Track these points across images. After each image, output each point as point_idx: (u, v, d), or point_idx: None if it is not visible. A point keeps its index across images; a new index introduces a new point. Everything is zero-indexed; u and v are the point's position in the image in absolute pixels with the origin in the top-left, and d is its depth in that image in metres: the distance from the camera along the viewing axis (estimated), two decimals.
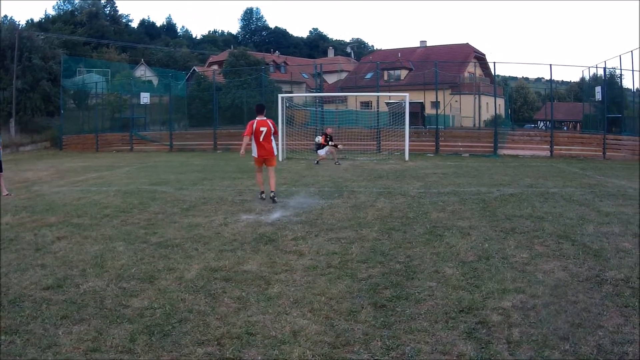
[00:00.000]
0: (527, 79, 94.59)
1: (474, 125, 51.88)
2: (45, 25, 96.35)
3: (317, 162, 25.34)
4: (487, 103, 57.33)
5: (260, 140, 13.85)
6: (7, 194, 16.28)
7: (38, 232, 10.34)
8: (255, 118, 14.06)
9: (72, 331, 5.57)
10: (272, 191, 13.89)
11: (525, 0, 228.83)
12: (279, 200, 13.71)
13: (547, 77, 47.13)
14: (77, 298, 6.56)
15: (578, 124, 58.35)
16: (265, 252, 8.62)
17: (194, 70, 77.04)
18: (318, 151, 25.63)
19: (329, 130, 26.13)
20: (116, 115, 48.15)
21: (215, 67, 77.59)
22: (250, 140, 14.02)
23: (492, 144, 32.82)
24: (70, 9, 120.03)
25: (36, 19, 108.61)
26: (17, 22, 65.16)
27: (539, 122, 71.88)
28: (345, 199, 13.96)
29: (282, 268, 7.70)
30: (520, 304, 6.15)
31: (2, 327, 5.71)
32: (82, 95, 50.77)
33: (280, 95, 29.94)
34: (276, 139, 14.58)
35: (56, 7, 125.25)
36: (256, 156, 14.13)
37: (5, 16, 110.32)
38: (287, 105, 28.26)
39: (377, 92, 40.65)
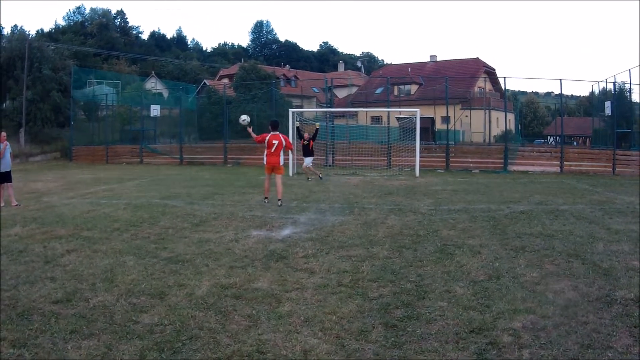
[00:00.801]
0: (536, 93, 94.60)
1: (484, 140, 51.85)
2: (55, 35, 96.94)
3: (308, 179, 24.96)
4: (497, 118, 57.21)
5: (272, 151, 16.36)
6: (16, 205, 16.36)
7: (47, 244, 10.38)
8: (269, 132, 16.42)
9: (82, 346, 5.60)
10: (279, 199, 16.06)
11: (534, 14, 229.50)
12: (290, 217, 13.77)
13: (557, 92, 47.11)
14: (86, 312, 6.58)
15: (587, 139, 58.26)
16: (276, 269, 8.62)
17: (205, 83, 77.33)
18: (305, 162, 25.08)
19: (306, 136, 25.64)
20: (126, 127, 48.36)
21: (225, 80, 77.60)
22: (264, 148, 16.71)
23: (502, 160, 32.80)
24: (80, 20, 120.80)
25: (46, 29, 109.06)
26: (27, 32, 65.55)
27: (548, 137, 71.73)
28: (356, 216, 13.97)
29: (293, 286, 7.69)
30: (531, 324, 6.15)
31: (11, 340, 5.74)
32: (92, 107, 51.01)
33: (291, 110, 29.92)
34: (292, 153, 18.64)
35: (66, 18, 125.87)
36: (266, 164, 16.76)
37: (15, 26, 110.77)
38: (298, 119, 28.24)
39: (388, 107, 40.68)
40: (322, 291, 7.45)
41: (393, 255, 9.60)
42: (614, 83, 35.82)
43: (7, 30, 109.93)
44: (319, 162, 31.80)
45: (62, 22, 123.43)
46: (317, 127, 26.10)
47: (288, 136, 21.71)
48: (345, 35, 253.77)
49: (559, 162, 32.06)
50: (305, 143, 24.92)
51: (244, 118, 17.05)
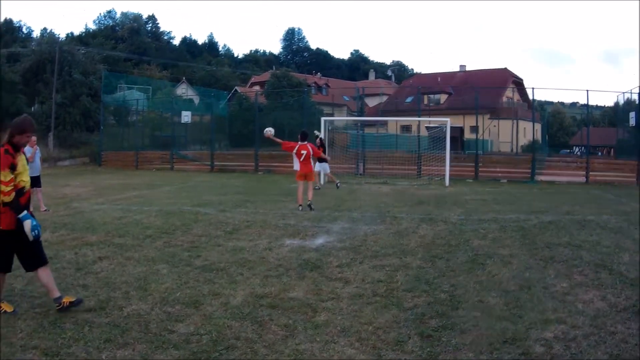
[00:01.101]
0: (562, 103, 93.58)
1: (512, 150, 51.98)
2: (85, 39, 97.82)
3: (337, 185, 24.42)
4: (524, 128, 57.08)
5: (302, 160, 17.19)
6: (45, 210, 16.46)
7: (79, 251, 10.42)
8: (298, 141, 17.32)
9: (116, 356, 5.60)
10: (309, 200, 17.05)
11: (560, 25, 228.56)
12: (323, 225, 13.82)
13: (582, 102, 46.76)
14: (120, 321, 6.58)
15: (612, 150, 57.83)
16: (310, 278, 8.61)
17: (236, 90, 77.66)
18: (318, 166, 24.06)
19: (318, 141, 25.35)
20: (157, 133, 48.67)
21: (257, 87, 78.01)
22: (294, 157, 17.96)
23: (530, 170, 32.79)
24: (111, 24, 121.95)
25: (76, 33, 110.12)
26: (57, 35, 66.31)
27: (574, 147, 71.23)
28: (388, 225, 13.97)
29: (329, 295, 7.68)
30: (562, 334, 6.20)
31: (43, 348, 5.76)
32: (122, 112, 51.47)
33: (323, 118, 30.14)
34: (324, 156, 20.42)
35: (97, 22, 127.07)
36: (299, 171, 17.50)
37: (45, 29, 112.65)
38: (329, 128, 28.29)
39: (419, 116, 40.68)
40: (357, 301, 7.45)
41: (426, 265, 9.61)
42: (639, 94, 35.76)
43: (36, 33, 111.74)
44: (351, 171, 31.83)
45: (92, 26, 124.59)
46: (318, 136, 25.78)
47: (324, 144, 23.14)
48: (376, 44, 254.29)
49: (584, 172, 32.19)
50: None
51: (269, 129, 17.70)
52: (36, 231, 6.76)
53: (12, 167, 6.68)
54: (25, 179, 6.93)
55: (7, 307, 6.92)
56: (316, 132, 26.14)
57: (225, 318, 6.68)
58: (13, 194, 6.63)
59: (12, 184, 6.64)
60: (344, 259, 9.95)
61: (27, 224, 6.68)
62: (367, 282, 8.35)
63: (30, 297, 7.56)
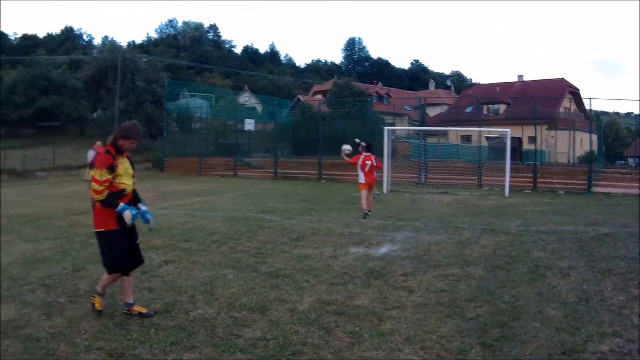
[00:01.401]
0: (617, 113, 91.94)
1: (568, 161, 51.33)
2: (147, 48, 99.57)
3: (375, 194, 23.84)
4: (581, 139, 56.38)
5: (366, 171, 17.51)
6: None
7: (144, 254, 10.45)
8: (362, 153, 17.92)
9: (183, 358, 5.71)
10: (369, 209, 17.47)
11: (613, 35, 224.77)
12: (387, 234, 13.85)
13: (636, 112, 46.13)
14: (186, 325, 6.68)
15: None
16: (376, 287, 8.63)
17: (298, 98, 78.22)
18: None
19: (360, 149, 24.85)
20: (220, 140, 49.22)
21: (319, 96, 78.59)
22: (357, 170, 17.93)
23: (586, 181, 32.23)
24: (173, 33, 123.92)
25: (138, 41, 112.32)
26: (118, 43, 67.55)
27: (628, 158, 70.00)
28: (450, 235, 13.92)
29: (393, 304, 7.70)
30: (617, 348, 6.17)
31: (108, 349, 5.89)
32: (185, 119, 52.19)
33: (385, 128, 30.15)
34: (380, 172, 20.37)
35: (158, 30, 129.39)
36: (363, 182, 17.60)
37: (106, 37, 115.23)
38: (392, 137, 28.27)
39: (479, 126, 40.50)
40: (421, 310, 7.46)
41: (488, 275, 9.58)
42: None
43: (97, 41, 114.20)
44: (413, 180, 31.74)
45: (154, 35, 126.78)
46: (359, 143, 25.40)
47: (382, 156, 23.63)
48: (436, 54, 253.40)
49: (638, 184, 31.26)
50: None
51: (346, 147, 18.60)
52: (145, 218, 7.29)
53: (111, 168, 6.85)
54: (126, 182, 7.13)
55: (141, 309, 7.08)
56: (357, 140, 26.04)
57: (292, 324, 6.74)
58: (106, 192, 6.76)
59: (106, 184, 6.77)
60: (408, 268, 9.96)
61: (127, 215, 6.86)
62: (430, 292, 8.36)
63: None
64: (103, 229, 6.91)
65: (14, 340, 6.19)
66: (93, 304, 7.12)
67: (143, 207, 7.23)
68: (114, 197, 6.84)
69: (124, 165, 7.07)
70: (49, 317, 7.03)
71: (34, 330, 6.52)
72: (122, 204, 6.85)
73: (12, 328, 6.59)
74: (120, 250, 7.01)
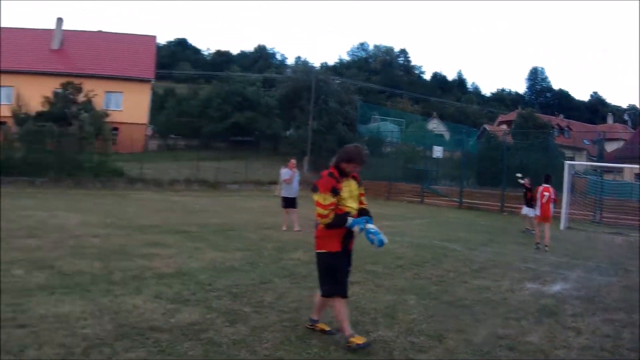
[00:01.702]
0: None
1: None
2: (339, 69, 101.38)
3: (525, 229, 23.54)
4: None
5: (544, 202, 17.80)
6: (298, 230, 17.60)
7: None
8: (542, 184, 18.24)
9: None
10: (545, 245, 17.57)
11: None
12: (561, 272, 13.72)
13: None
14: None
15: None
16: (547, 324, 8.67)
17: (485, 128, 77.48)
18: (525, 209, 23.62)
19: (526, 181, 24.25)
20: (409, 165, 49.46)
21: (504, 126, 77.72)
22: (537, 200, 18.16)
23: None
24: (364, 56, 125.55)
25: (330, 63, 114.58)
26: (311, 64, 69.33)
27: None
28: (620, 278, 13.56)
29: (561, 344, 7.72)
30: None
31: None
32: (376, 142, 52.70)
33: (567, 163, 29.84)
34: (557, 206, 20.24)
35: (350, 53, 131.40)
36: (539, 214, 18.11)
37: (299, 57, 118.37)
38: (572, 172, 27.82)
39: None
40: (586, 352, 7.44)
41: None
42: None
43: (290, 61, 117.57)
44: (587, 218, 30.87)
45: (346, 57, 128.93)
46: (522, 178, 24.72)
47: (561, 190, 24.11)
48: (614, 87, 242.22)
49: None
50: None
51: (520, 176, 19.47)
52: (376, 237, 7.01)
53: (334, 191, 6.87)
54: (350, 205, 7.09)
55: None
56: (518, 175, 25.52)
57: (466, 354, 7.00)
58: (332, 216, 6.81)
59: (331, 207, 6.81)
60: (577, 308, 9.89)
61: (356, 229, 6.93)
62: (596, 335, 8.27)
63: (280, 311, 8.33)
64: (324, 250, 6.97)
65: (195, 343, 6.64)
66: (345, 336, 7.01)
67: (370, 226, 7.04)
68: (340, 219, 6.87)
69: (348, 187, 7.11)
70: (232, 324, 7.49)
71: (216, 335, 6.97)
72: (352, 220, 6.89)
73: (194, 331, 7.07)
74: (341, 270, 7.01)
